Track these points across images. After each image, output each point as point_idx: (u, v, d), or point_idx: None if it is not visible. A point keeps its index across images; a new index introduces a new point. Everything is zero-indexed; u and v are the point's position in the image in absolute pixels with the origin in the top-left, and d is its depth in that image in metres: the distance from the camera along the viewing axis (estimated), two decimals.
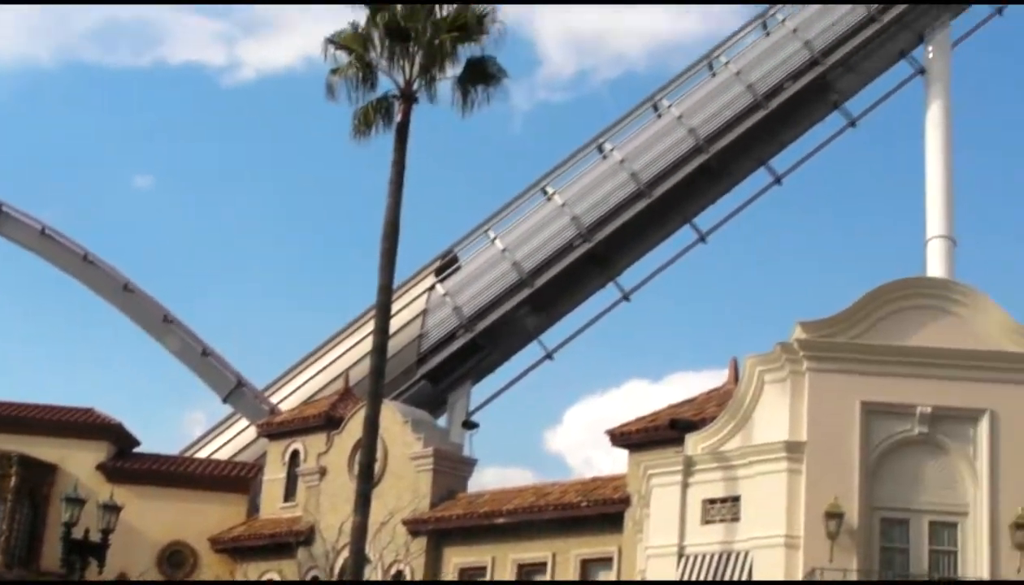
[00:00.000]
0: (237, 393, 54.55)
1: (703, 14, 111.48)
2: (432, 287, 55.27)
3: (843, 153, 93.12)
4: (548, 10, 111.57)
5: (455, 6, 35.93)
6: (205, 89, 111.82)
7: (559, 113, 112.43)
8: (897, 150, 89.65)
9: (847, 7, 57.05)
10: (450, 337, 54.48)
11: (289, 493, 47.76)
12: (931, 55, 57.34)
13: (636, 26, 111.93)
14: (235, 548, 48.05)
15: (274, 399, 54.58)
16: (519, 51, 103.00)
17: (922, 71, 57.37)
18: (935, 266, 52.55)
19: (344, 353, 54.85)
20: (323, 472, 45.61)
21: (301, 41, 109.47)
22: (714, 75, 57.43)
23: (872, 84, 58.26)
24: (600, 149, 56.44)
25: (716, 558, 31.41)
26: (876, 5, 56.74)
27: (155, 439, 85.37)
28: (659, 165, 55.19)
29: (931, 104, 56.60)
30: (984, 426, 30.63)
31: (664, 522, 32.64)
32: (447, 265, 56.23)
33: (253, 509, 49.26)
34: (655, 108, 57.13)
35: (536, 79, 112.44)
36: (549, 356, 55.30)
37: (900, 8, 56.91)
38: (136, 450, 50.72)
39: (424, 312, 54.79)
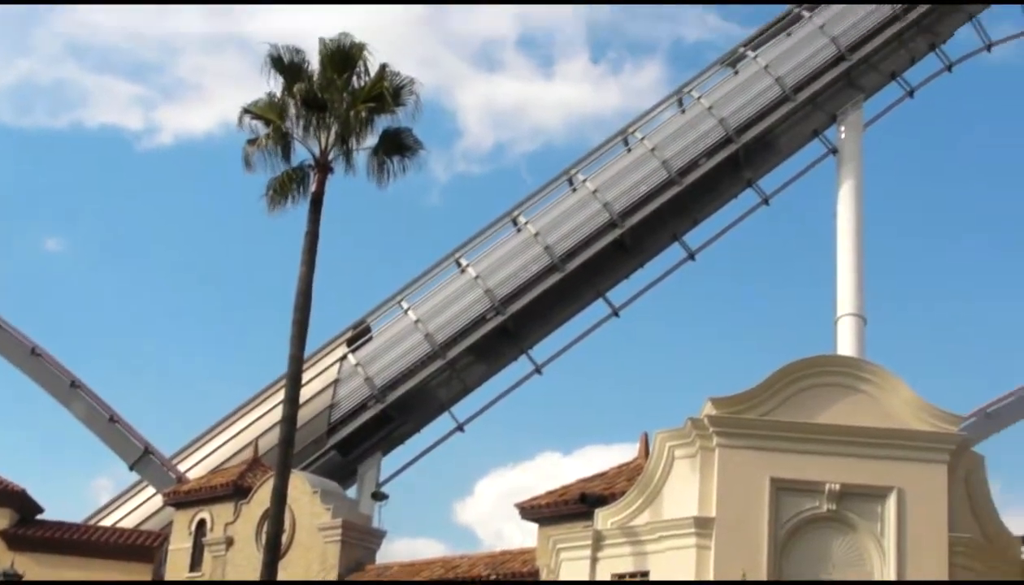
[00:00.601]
0: (144, 460, 53.93)
1: (623, 89, 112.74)
2: (344, 357, 55.07)
3: (756, 230, 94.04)
4: (470, 81, 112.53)
5: (371, 77, 36.12)
6: (121, 153, 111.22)
7: (477, 185, 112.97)
8: (809, 228, 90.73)
9: (763, 84, 57.93)
10: (361, 407, 54.22)
11: (195, 563, 47.14)
12: (843, 135, 58.45)
13: (555, 99, 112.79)
14: None
15: (182, 467, 54.04)
16: (440, 122, 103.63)
17: (834, 151, 58.37)
18: (845, 344, 53.08)
19: (254, 422, 54.45)
20: (230, 542, 45.18)
21: (220, 106, 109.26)
22: (629, 150, 57.83)
23: (786, 162, 59.05)
24: (515, 222, 56.59)
25: None
26: (791, 86, 57.74)
27: (60, 506, 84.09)
28: (573, 239, 55.38)
29: (843, 183, 57.50)
30: (891, 504, 30.84)
31: None
32: (360, 335, 56.06)
33: (158, 578, 48.64)
34: (570, 182, 57.43)
35: (455, 150, 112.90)
36: (460, 428, 55.11)
37: (814, 88, 57.95)
38: (40, 517, 49.90)
39: (336, 382, 54.54)
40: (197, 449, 55.51)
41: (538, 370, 55.67)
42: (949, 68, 60.42)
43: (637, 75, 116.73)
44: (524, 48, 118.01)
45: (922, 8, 59.17)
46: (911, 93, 59.84)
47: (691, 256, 57.16)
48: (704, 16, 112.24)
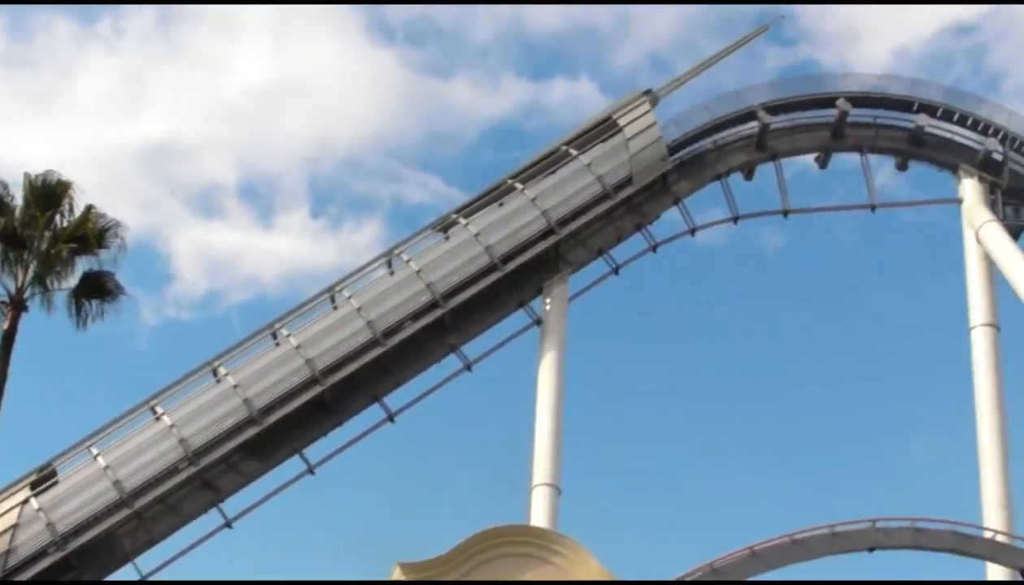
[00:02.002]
0: None
1: (341, 245, 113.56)
2: (26, 501, 53.42)
3: (459, 395, 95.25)
4: (187, 226, 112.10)
5: (76, 217, 35.88)
6: None
7: (187, 331, 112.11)
8: (511, 396, 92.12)
9: (472, 252, 58.99)
10: (41, 554, 52.58)
11: None
12: (548, 307, 59.73)
13: (273, 250, 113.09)
14: None
15: None
16: (153, 265, 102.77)
17: (539, 322, 59.47)
18: (539, 514, 53.76)
19: None
20: None
21: None
22: (336, 308, 58.06)
23: (492, 329, 59.80)
24: (215, 372, 56.01)
25: None
26: (500, 255, 58.91)
27: None
28: (273, 394, 55.04)
29: (544, 354, 58.69)
30: None
31: None
32: (45, 479, 54.46)
33: None
34: (274, 336, 57.23)
35: (166, 295, 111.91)
36: (143, 582, 53.91)
37: (522, 259, 59.28)
38: None
39: (15, 527, 52.75)
40: None
41: (228, 524, 54.89)
42: (654, 248, 62.41)
43: (356, 233, 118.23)
44: (245, 197, 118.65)
45: (631, 189, 61.30)
46: (616, 270, 61.58)
47: (390, 418, 57.30)
48: (427, 179, 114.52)
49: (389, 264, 59.85)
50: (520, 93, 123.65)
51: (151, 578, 53.97)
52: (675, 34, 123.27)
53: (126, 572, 54.09)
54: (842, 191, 72.71)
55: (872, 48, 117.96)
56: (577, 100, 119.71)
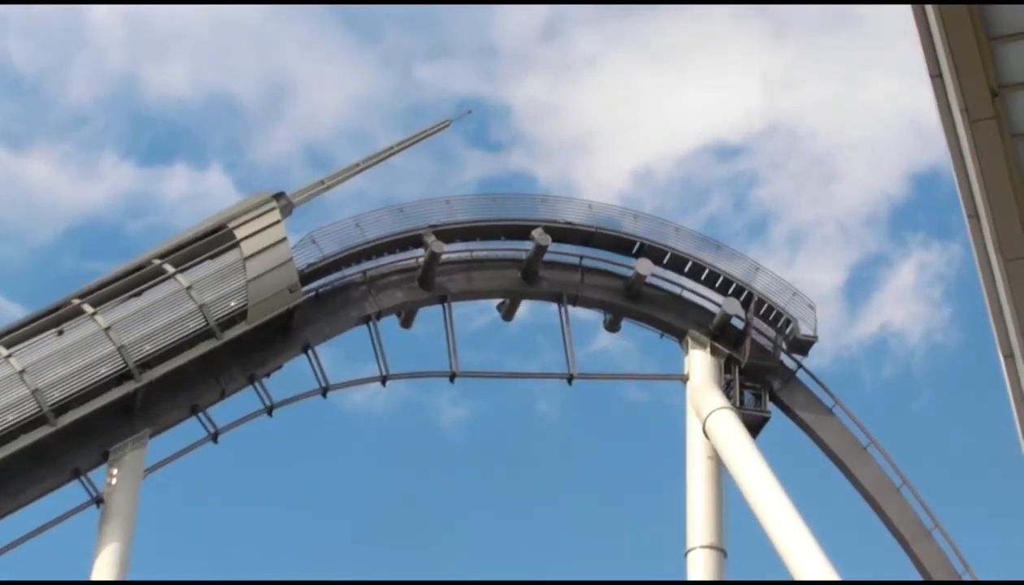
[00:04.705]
0: None
1: None
2: None
3: None
4: None
5: None
6: None
7: None
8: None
9: (13, 396, 46.39)
10: None
11: None
12: (114, 481, 47.91)
13: None
14: None
15: None
16: None
17: (99, 501, 47.75)
18: None
19: None
20: None
21: None
22: None
23: (34, 505, 48.01)
24: None
25: None
26: (52, 403, 46.54)
27: None
28: None
29: (104, 547, 46.87)
30: None
31: None
32: None
33: None
34: None
35: None
36: None
37: (84, 412, 46.98)
38: None
39: None
40: None
41: None
42: (269, 411, 50.18)
43: None
44: None
45: (244, 327, 49.11)
46: (215, 436, 49.52)
47: None
48: None
49: None
50: (125, 180, 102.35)
51: None
52: (345, 121, 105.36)
53: None
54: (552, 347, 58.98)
55: (607, 165, 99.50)
56: (204, 197, 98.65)
